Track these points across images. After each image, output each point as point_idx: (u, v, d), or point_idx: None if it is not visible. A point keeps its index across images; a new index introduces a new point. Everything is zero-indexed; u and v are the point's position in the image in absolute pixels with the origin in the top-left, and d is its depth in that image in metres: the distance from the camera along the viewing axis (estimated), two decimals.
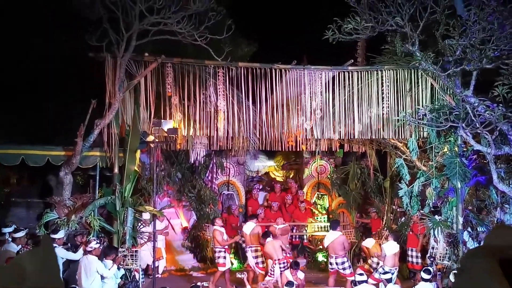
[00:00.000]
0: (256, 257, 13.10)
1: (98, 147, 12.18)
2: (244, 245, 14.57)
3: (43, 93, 13.64)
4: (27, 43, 13.55)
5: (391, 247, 12.27)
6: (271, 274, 12.44)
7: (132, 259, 11.48)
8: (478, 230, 12.24)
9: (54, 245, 10.42)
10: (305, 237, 16.56)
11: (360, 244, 15.60)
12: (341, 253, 12.57)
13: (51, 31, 13.30)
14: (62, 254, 10.61)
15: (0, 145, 11.91)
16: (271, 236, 12.93)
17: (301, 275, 12.05)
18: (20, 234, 10.84)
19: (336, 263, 12.55)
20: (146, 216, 12.77)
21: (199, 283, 10.77)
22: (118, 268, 10.38)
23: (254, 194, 16.96)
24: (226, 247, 13.16)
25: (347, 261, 12.79)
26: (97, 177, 12.55)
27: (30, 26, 13.36)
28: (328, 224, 16.64)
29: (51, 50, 13.29)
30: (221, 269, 12.93)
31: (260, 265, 13.06)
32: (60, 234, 10.78)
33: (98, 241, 10.40)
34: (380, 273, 11.64)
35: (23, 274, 1.53)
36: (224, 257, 12.97)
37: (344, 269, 12.54)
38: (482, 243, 11.65)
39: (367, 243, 13.79)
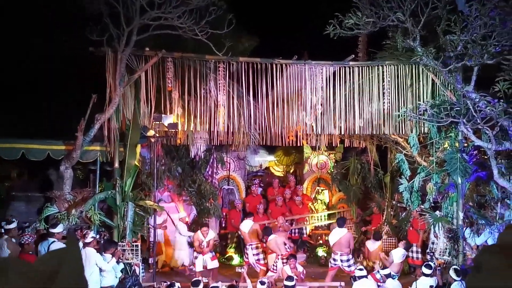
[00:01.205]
0: (257, 254, 13.08)
1: (99, 141, 12.16)
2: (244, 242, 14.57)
3: (42, 92, 13.64)
4: (28, 43, 13.56)
5: (399, 255, 12.31)
6: (273, 269, 12.44)
7: (132, 253, 11.50)
8: (479, 224, 12.24)
9: (53, 239, 10.42)
10: (304, 232, 16.59)
11: (360, 239, 15.65)
12: (346, 250, 12.54)
13: (51, 30, 13.30)
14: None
15: (0, 140, 11.90)
16: (273, 233, 12.93)
17: (299, 268, 12.08)
18: (12, 225, 10.71)
19: (341, 260, 12.50)
20: (182, 214, 14.39)
21: (199, 278, 10.79)
22: (118, 262, 10.39)
23: (253, 190, 16.95)
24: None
25: (352, 258, 12.79)
26: (98, 172, 12.56)
27: (32, 26, 13.36)
28: (328, 220, 16.78)
29: (50, 49, 13.29)
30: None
31: (261, 262, 13.03)
32: (59, 228, 10.74)
33: (95, 233, 10.41)
34: (380, 269, 11.57)
35: (51, 274, 1.53)
36: (196, 257, 13.14)
37: (349, 266, 12.50)
38: (484, 237, 11.67)
39: (370, 245, 13.78)
